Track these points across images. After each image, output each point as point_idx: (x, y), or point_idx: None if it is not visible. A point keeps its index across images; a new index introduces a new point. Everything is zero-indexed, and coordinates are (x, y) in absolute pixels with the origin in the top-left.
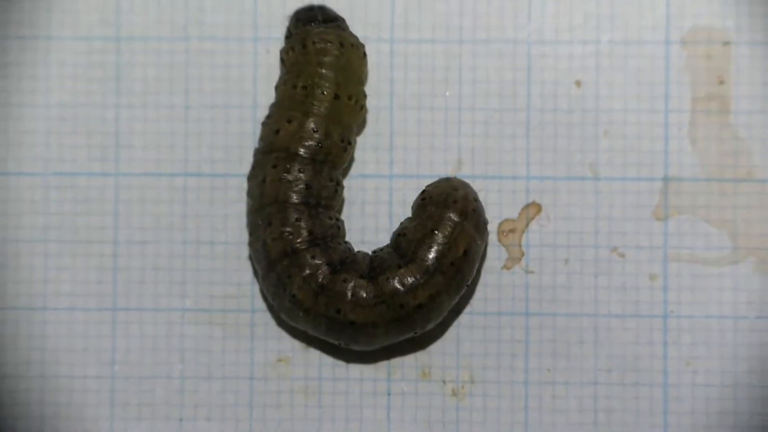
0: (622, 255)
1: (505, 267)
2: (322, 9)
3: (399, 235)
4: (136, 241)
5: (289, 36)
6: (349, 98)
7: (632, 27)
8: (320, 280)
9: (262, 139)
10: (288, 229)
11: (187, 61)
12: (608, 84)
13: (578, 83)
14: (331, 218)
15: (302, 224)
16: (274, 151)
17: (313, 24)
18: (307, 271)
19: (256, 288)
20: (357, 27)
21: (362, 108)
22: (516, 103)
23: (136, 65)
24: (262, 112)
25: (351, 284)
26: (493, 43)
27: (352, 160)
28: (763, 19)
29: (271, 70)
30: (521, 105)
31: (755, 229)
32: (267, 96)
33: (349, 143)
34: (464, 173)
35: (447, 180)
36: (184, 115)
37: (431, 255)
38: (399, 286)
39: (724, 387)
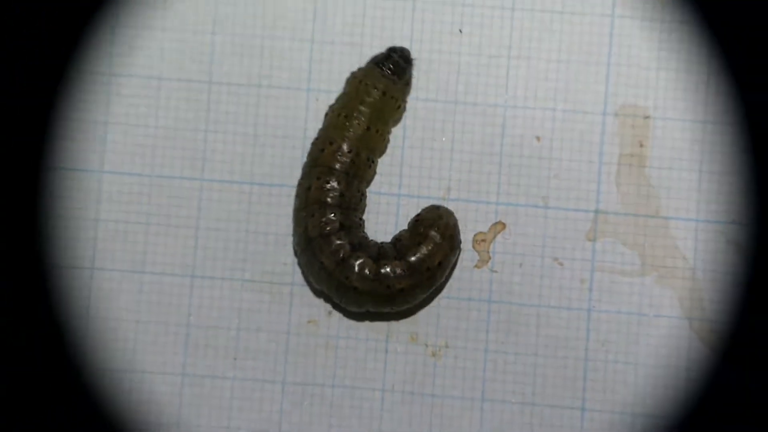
0: (561, 264)
1: (476, 266)
2: (401, 56)
3: (397, 240)
4: (213, 228)
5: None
6: (377, 131)
7: (580, 100)
8: (341, 255)
9: (309, 155)
10: (324, 219)
11: (258, 102)
12: (560, 140)
13: (538, 138)
14: (356, 217)
15: (335, 218)
16: (318, 166)
17: (382, 66)
18: (334, 248)
19: (296, 267)
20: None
21: (385, 140)
22: (492, 149)
23: (222, 103)
24: (309, 140)
25: (360, 261)
26: (479, 106)
27: (373, 177)
28: (673, 101)
29: (318, 113)
30: (496, 151)
31: (658, 252)
32: (313, 130)
33: (373, 162)
34: (452, 196)
35: (437, 207)
36: (253, 141)
37: (414, 259)
38: (390, 273)
39: (629, 364)
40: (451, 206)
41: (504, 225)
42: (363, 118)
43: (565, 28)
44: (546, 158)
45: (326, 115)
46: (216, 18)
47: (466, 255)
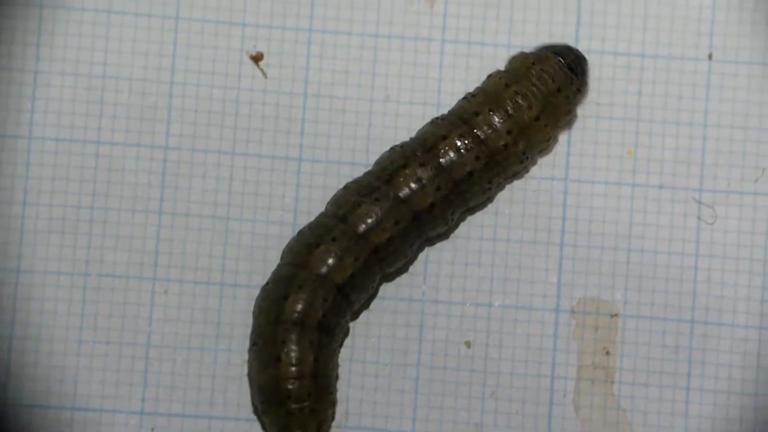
0: None
1: None
2: (581, 59)
3: None
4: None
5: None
6: (546, 126)
7: (524, 293)
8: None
9: (454, 111)
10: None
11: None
12: (497, 346)
13: (468, 344)
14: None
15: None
16: (465, 125)
17: (563, 60)
18: None
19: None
20: None
21: (552, 140)
22: (407, 358)
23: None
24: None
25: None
26: (388, 300)
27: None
28: (650, 294)
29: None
30: (411, 361)
31: None
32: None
33: (527, 159)
34: (351, 423)
35: None
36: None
37: None
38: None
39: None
40: None
41: None
42: (535, 104)
43: None
44: (479, 371)
45: (488, 77)
46: None
47: None
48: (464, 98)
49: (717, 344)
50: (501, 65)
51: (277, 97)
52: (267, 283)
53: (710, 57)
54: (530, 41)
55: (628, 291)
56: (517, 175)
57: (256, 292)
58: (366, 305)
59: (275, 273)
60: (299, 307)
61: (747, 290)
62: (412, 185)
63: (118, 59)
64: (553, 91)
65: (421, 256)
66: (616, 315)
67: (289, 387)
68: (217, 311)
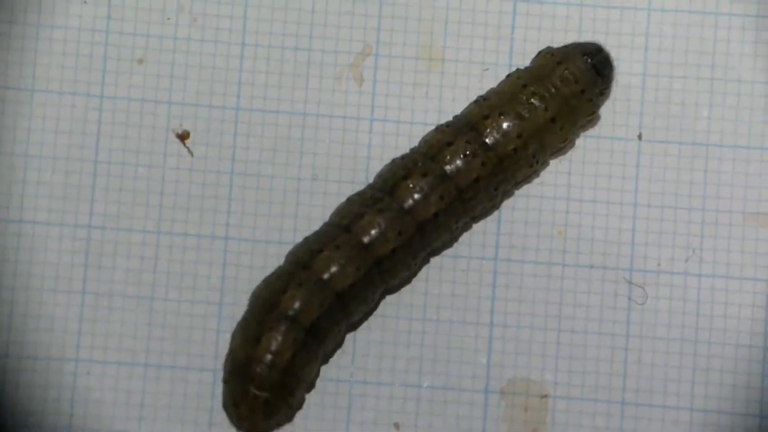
0: None
1: None
2: (608, 60)
3: None
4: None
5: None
6: (561, 129)
7: (453, 374)
8: None
9: (460, 116)
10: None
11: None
12: (427, 428)
13: (397, 425)
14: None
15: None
16: (470, 127)
17: (590, 59)
18: None
19: None
20: None
21: (568, 142)
22: None
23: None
24: None
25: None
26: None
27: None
28: (581, 375)
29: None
30: None
31: None
32: None
33: (537, 163)
34: None
35: None
36: None
37: None
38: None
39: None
40: None
41: None
42: (552, 106)
43: None
44: None
45: (508, 76)
46: None
47: None
48: (475, 101)
49: (648, 426)
50: None
51: (203, 175)
52: (267, 278)
53: (640, 137)
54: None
55: (558, 372)
56: (526, 180)
57: (182, 373)
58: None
59: (277, 269)
60: (296, 304)
61: (678, 371)
62: (415, 195)
63: (42, 138)
64: (575, 93)
65: (349, 336)
66: (546, 396)
67: (257, 370)
68: (140, 393)
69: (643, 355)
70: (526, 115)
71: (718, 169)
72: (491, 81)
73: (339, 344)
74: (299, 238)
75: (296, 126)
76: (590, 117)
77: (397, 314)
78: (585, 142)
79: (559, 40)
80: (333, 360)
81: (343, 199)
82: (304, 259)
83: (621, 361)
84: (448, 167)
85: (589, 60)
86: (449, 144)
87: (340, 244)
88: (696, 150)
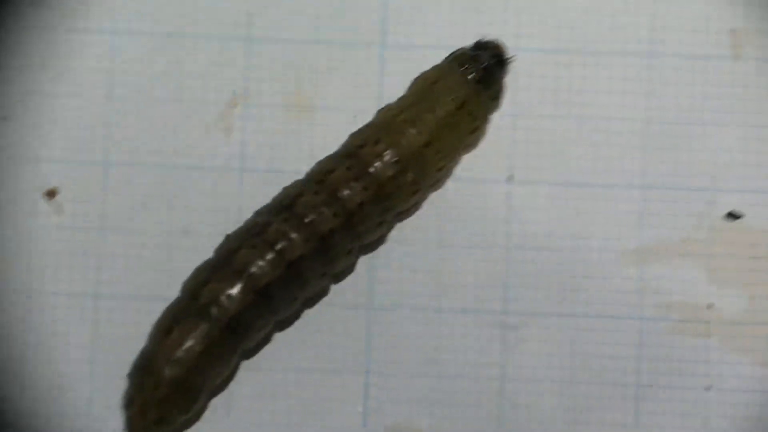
0: None
1: None
2: (493, 55)
3: None
4: None
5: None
6: (437, 153)
7: (330, 424)
8: None
9: (344, 145)
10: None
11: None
12: None
13: None
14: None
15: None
16: (352, 158)
17: (465, 67)
18: None
19: None
20: None
21: (445, 167)
22: None
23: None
24: None
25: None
26: None
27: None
28: (457, 419)
29: None
30: None
31: None
32: None
33: (419, 191)
34: None
35: None
36: None
37: None
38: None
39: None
40: None
41: None
42: (424, 130)
43: None
44: None
45: (378, 111)
46: None
47: None
48: (351, 134)
49: None
50: None
51: (72, 233)
52: (197, 267)
53: (511, 178)
54: None
55: (434, 417)
56: (409, 211)
57: None
58: None
59: (206, 260)
60: (215, 296)
61: (553, 413)
62: (312, 213)
63: None
64: (451, 112)
65: (224, 394)
66: None
67: (160, 364)
68: None
69: (519, 398)
70: (401, 142)
71: (591, 208)
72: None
73: (265, 339)
74: (173, 293)
75: (166, 179)
76: (473, 134)
77: (271, 367)
78: (455, 184)
79: None
80: (207, 415)
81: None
82: (229, 251)
83: (496, 404)
84: (335, 191)
85: (466, 69)
86: (331, 171)
87: (255, 245)
88: (568, 190)
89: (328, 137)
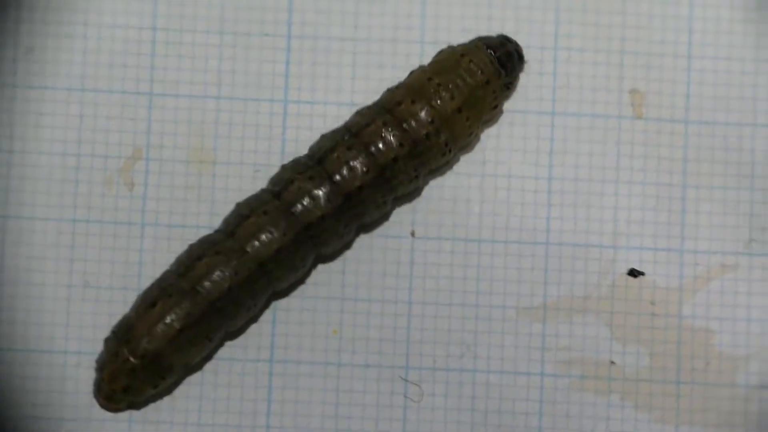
0: None
1: None
2: (516, 50)
3: None
4: None
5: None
6: (467, 120)
7: None
8: None
9: (379, 102)
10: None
11: None
12: None
13: None
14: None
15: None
16: (389, 113)
17: (494, 53)
18: None
19: None
20: None
21: (474, 135)
22: None
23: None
24: None
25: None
26: None
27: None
28: None
29: None
30: None
31: None
32: None
33: (449, 152)
34: None
35: None
36: None
37: None
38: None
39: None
40: None
41: None
42: (457, 96)
43: None
44: None
45: (411, 73)
46: None
47: None
48: (387, 90)
49: None
50: None
51: None
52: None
53: (413, 234)
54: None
55: None
56: (441, 169)
57: None
58: None
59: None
60: (207, 272)
61: None
62: (343, 169)
63: None
64: (481, 83)
65: None
66: None
67: (138, 334)
68: None
69: None
70: (435, 104)
71: (491, 264)
72: (262, 182)
73: (252, 319)
74: (73, 347)
75: (66, 233)
76: (493, 112)
77: (172, 419)
78: (359, 239)
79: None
80: None
81: (117, 306)
82: (231, 226)
83: None
84: (369, 145)
85: (493, 53)
86: (368, 125)
87: (268, 210)
88: (468, 246)
89: (230, 191)
